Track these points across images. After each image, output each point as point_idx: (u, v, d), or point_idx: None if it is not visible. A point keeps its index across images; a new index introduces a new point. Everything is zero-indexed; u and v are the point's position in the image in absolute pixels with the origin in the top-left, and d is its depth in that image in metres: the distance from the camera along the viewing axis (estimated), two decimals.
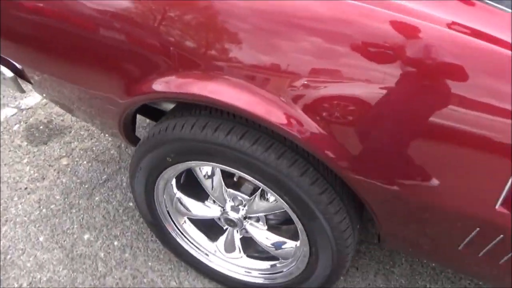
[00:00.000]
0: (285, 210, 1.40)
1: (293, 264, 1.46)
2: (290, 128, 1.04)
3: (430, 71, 0.90)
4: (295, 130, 1.04)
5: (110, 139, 2.39)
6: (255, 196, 1.41)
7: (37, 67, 1.44)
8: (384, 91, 0.93)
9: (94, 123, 1.69)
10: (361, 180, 1.07)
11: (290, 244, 1.48)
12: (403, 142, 0.98)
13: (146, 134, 1.38)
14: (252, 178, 1.25)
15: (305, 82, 0.98)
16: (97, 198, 2.09)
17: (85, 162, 2.26)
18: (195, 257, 1.67)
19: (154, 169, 1.40)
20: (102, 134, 2.42)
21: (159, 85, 1.17)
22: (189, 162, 1.33)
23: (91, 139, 2.39)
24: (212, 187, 1.45)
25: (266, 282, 1.54)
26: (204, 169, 1.44)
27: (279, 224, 1.58)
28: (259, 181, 1.24)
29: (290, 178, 1.17)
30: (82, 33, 1.20)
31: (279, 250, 1.50)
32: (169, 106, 1.53)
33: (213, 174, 1.43)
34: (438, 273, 1.82)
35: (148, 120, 2.39)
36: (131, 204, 2.07)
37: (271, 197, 1.39)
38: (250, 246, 1.63)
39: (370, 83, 0.93)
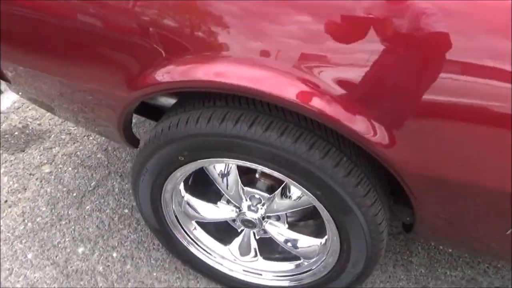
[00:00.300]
0: (306, 207, 1.31)
1: (321, 262, 1.35)
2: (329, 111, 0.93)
3: None
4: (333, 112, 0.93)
5: (95, 142, 2.21)
6: (275, 194, 1.29)
7: (18, 60, 1.27)
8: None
9: (79, 122, 1.52)
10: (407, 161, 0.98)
11: (313, 242, 1.37)
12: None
13: (152, 132, 1.23)
14: (277, 173, 1.14)
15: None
16: (88, 207, 1.91)
17: (70, 168, 2.07)
18: (205, 263, 1.54)
19: (163, 170, 1.26)
20: (86, 137, 2.23)
21: (163, 76, 1.03)
22: (205, 160, 1.19)
23: (74, 143, 2.20)
24: (227, 186, 1.32)
25: (292, 284, 1.43)
26: (218, 167, 1.31)
27: (297, 221, 1.48)
28: (286, 176, 1.12)
29: (323, 170, 1.07)
30: (69, 24, 1.05)
31: (301, 249, 1.39)
32: (169, 101, 1.39)
33: (228, 172, 1.30)
34: (456, 258, 1.77)
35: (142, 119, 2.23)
36: (126, 210, 1.91)
37: (294, 193, 1.28)
38: (266, 248, 1.52)
39: None
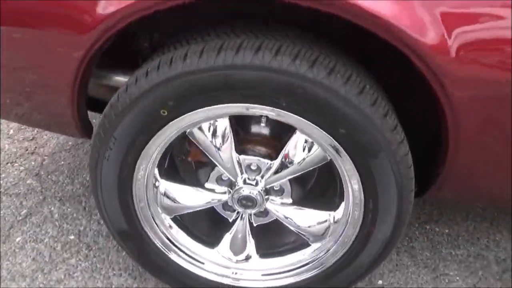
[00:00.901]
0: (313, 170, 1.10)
1: (339, 236, 1.11)
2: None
3: None
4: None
5: (22, 168, 1.80)
6: (288, 144, 1.05)
7: None
8: None
9: (23, 116, 1.19)
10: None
11: (325, 216, 1.15)
12: None
13: (122, 87, 0.97)
14: (288, 118, 0.94)
15: None
16: (18, 239, 1.49)
17: None
18: (191, 273, 1.21)
19: (138, 136, 0.98)
20: (10, 164, 1.82)
21: None
22: (195, 112, 0.95)
23: None
24: (220, 153, 1.06)
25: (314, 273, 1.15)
26: (206, 129, 1.05)
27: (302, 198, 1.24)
28: (302, 116, 0.92)
29: (346, 99, 0.89)
30: None
31: (312, 228, 1.16)
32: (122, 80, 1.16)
33: (219, 133, 1.05)
34: (456, 238, 1.65)
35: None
36: (72, 237, 1.51)
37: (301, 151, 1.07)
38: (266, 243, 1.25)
39: None
